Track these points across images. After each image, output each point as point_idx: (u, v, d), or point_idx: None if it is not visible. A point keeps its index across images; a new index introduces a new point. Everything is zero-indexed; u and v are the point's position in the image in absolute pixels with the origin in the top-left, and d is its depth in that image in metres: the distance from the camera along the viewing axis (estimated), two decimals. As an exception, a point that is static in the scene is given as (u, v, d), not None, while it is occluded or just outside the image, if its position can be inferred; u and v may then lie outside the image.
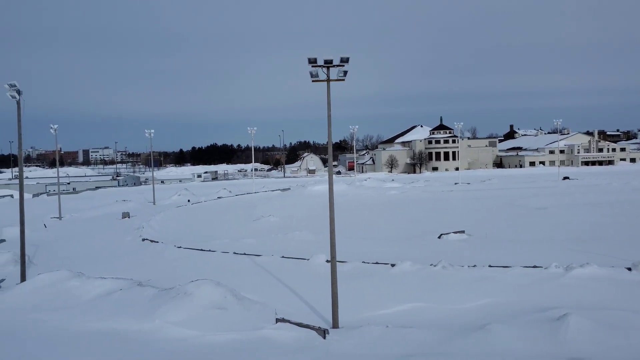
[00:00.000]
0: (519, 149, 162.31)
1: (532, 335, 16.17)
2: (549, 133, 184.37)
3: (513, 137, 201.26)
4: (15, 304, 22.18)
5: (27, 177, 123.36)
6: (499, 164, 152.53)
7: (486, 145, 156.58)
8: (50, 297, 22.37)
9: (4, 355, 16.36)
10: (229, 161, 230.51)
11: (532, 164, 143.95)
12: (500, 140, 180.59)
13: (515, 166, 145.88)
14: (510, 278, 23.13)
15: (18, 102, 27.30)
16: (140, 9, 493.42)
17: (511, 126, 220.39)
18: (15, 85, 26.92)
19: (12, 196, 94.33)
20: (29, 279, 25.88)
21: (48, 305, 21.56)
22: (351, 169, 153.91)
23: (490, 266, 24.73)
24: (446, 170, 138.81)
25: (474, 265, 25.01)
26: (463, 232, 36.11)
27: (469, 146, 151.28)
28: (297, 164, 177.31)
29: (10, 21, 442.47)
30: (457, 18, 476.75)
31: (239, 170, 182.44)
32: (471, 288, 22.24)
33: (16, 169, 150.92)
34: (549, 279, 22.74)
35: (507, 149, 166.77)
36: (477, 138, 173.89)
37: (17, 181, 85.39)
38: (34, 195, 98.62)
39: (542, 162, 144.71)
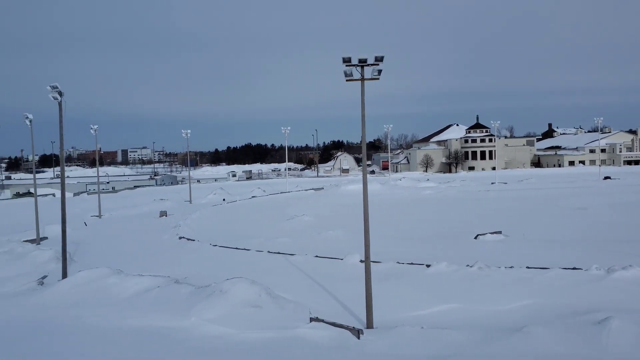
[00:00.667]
0: (558, 148, 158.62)
1: (572, 338, 15.75)
2: (589, 132, 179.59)
3: (551, 136, 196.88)
4: (57, 300, 22.82)
5: (68, 177, 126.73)
6: (536, 163, 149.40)
7: (524, 144, 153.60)
8: (90, 293, 22.93)
9: (46, 350, 16.84)
10: (263, 161, 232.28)
11: (571, 163, 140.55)
12: (538, 139, 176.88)
13: (554, 165, 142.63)
14: (548, 280, 22.60)
15: (60, 104, 28.00)
16: (176, 10, 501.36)
17: (549, 125, 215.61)
18: (57, 87, 27.61)
19: (53, 195, 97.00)
20: (70, 275, 26.56)
21: (88, 301, 22.10)
22: (385, 168, 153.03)
23: (528, 267, 24.24)
24: (482, 169, 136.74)
25: (511, 267, 24.55)
26: (500, 232, 35.48)
27: (506, 145, 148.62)
28: (331, 163, 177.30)
29: (52, 25, 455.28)
30: (494, 14, 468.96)
31: (272, 170, 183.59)
32: (508, 289, 21.84)
33: (58, 168, 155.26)
34: (590, 281, 22.12)
35: (546, 148, 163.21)
36: (514, 137, 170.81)
37: (58, 180, 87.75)
38: (74, 194, 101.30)
39: (582, 162, 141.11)
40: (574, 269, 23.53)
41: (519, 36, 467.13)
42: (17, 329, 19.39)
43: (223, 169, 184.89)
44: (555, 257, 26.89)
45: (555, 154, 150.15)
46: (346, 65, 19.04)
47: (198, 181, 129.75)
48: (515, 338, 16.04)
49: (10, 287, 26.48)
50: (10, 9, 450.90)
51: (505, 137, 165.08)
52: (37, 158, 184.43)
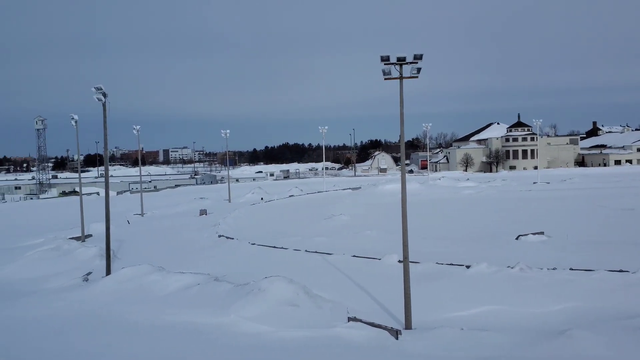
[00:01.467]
0: (603, 146, 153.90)
1: (618, 343, 15.25)
2: (636, 129, 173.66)
3: (596, 134, 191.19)
4: (101, 296, 23.44)
5: (111, 176, 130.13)
6: (580, 162, 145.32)
7: (567, 143, 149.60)
8: (133, 290, 23.46)
9: (90, 344, 17.32)
10: (300, 160, 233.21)
11: (617, 162, 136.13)
12: (583, 138, 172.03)
13: (599, 165, 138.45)
14: (593, 282, 21.92)
15: (104, 105, 28.75)
16: (214, 11, 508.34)
17: (594, 123, 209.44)
18: (101, 89, 28.34)
19: (98, 194, 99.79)
20: (113, 272, 27.26)
21: (130, 298, 22.62)
22: (424, 167, 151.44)
23: (571, 269, 23.57)
24: (524, 169, 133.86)
25: (554, 268, 23.93)
26: (542, 233, 34.64)
27: (549, 144, 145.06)
28: (368, 162, 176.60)
29: (96, 28, 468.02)
30: (534, 10, 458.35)
31: (310, 169, 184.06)
32: (551, 292, 21.30)
33: (102, 168, 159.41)
34: (637, 284, 21.36)
35: (590, 147, 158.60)
36: (557, 135, 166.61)
37: (102, 179, 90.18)
38: (118, 193, 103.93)
39: (629, 161, 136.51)
40: (621, 271, 22.75)
41: (562, 32, 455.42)
42: (62, 322, 20.02)
43: (261, 168, 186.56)
44: (600, 259, 26.08)
45: (601, 152, 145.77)
46: (384, 64, 18.91)
47: (237, 180, 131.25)
48: (559, 342, 15.62)
49: (57, 283, 27.39)
50: (55, 13, 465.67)
51: (548, 135, 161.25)
52: (82, 158, 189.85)
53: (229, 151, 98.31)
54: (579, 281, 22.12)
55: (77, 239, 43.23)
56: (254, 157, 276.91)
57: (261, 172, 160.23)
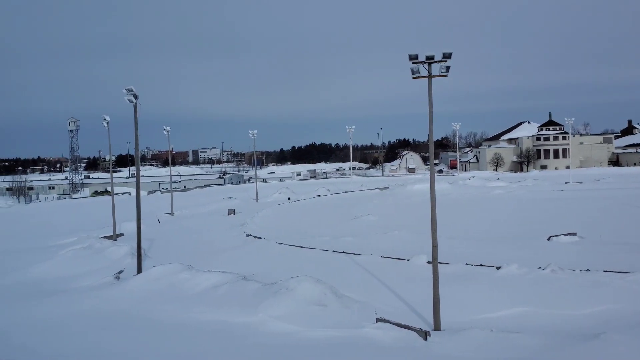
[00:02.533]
0: (639, 145, 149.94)
1: (655, 347, 14.83)
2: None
3: (631, 133, 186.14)
4: (132, 294, 23.82)
5: (142, 176, 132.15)
6: (614, 162, 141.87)
7: (600, 142, 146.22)
8: (163, 288, 23.79)
9: (122, 342, 17.60)
10: (327, 160, 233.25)
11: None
12: (617, 137, 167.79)
13: (635, 164, 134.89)
14: (628, 284, 21.35)
15: (135, 106, 29.16)
16: (241, 13, 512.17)
17: (629, 121, 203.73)
18: (132, 90, 28.75)
19: (129, 193, 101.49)
20: (144, 271, 27.66)
21: (161, 296, 22.94)
22: (453, 167, 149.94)
23: (605, 271, 23.01)
24: (556, 168, 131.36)
25: (587, 270, 23.41)
26: (575, 234, 33.91)
27: (581, 143, 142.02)
28: (396, 162, 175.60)
29: (126, 31, 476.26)
30: (566, 6, 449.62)
31: (337, 169, 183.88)
32: (584, 294, 20.82)
33: (133, 168, 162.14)
34: (675, 287, 20.75)
35: (625, 146, 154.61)
36: (590, 134, 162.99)
37: (133, 179, 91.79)
38: (148, 193, 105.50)
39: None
40: (657, 273, 22.14)
41: (595, 28, 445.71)
42: (94, 320, 20.40)
43: (288, 168, 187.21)
44: (635, 261, 25.39)
45: (636, 151, 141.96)
46: (413, 63, 18.74)
47: (264, 180, 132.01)
48: (592, 345, 15.26)
49: (90, 281, 27.94)
50: (88, 16, 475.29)
51: (581, 134, 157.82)
52: (113, 158, 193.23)
53: (256, 151, 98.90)
54: (614, 283, 21.58)
55: (109, 237, 44.05)
56: (281, 157, 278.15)
57: (273, 172, 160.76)
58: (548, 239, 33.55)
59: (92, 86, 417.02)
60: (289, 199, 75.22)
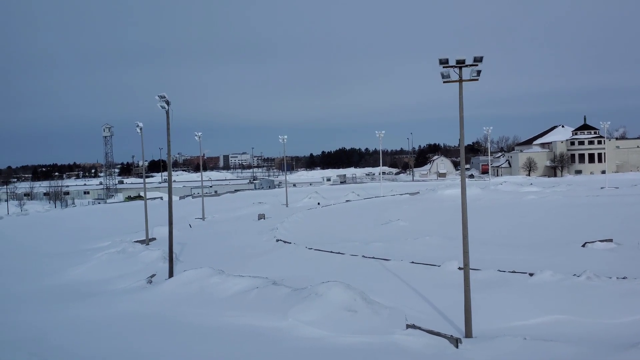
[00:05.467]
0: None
1: (696, 358, 14.35)
2: None
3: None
4: (164, 297, 24.17)
5: (174, 181, 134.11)
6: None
7: (637, 146, 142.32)
8: (194, 292, 24.06)
9: (157, 344, 17.87)
10: (357, 165, 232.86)
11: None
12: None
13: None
14: (668, 293, 20.75)
15: (167, 112, 29.64)
16: (272, 19, 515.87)
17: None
18: (164, 97, 29.22)
19: (161, 198, 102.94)
20: (176, 274, 28.03)
21: (192, 300, 23.21)
22: (485, 172, 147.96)
23: (644, 279, 22.41)
24: (591, 173, 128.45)
25: (624, 277, 22.80)
26: (611, 240, 33.09)
27: (617, 147, 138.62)
28: (427, 167, 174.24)
29: (159, 38, 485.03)
30: (599, 9, 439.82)
31: (366, 174, 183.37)
32: (620, 302, 20.28)
33: (165, 173, 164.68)
34: None
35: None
36: (626, 138, 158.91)
37: (166, 184, 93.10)
38: (180, 198, 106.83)
39: None
40: (699, 282, 21.43)
41: (630, 30, 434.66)
42: (128, 322, 20.77)
43: (318, 173, 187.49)
44: (675, 268, 24.64)
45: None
46: (443, 67, 18.62)
47: (294, 185, 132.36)
48: (630, 355, 14.86)
49: (123, 284, 28.45)
50: (121, 24, 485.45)
51: (617, 138, 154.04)
52: (146, 164, 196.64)
53: (286, 156, 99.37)
54: (652, 292, 20.98)
55: (142, 242, 44.75)
56: (311, 162, 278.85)
57: (337, 176, 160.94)
58: (583, 246, 32.82)
59: (126, 93, 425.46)
60: (318, 204, 75.32)
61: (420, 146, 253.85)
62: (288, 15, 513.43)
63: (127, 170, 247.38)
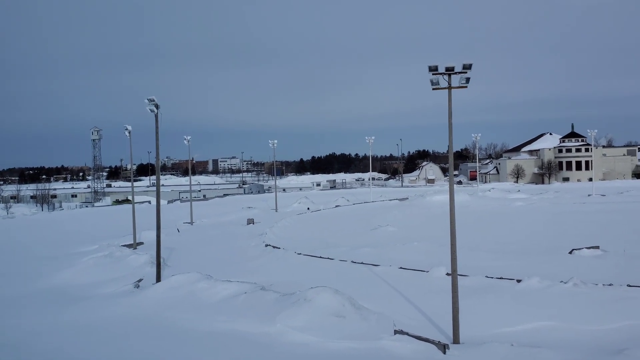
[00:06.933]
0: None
1: (681, 365, 14.50)
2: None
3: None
4: (151, 302, 24.01)
5: (162, 185, 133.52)
6: (639, 174, 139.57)
7: (624, 154, 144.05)
8: (182, 297, 23.94)
9: (140, 349, 17.73)
10: (346, 170, 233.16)
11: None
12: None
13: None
14: (653, 300, 20.96)
15: (156, 115, 29.53)
16: (261, 23, 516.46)
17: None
18: (153, 100, 29.12)
19: (149, 202, 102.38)
20: (163, 279, 27.86)
21: (179, 305, 23.08)
22: (473, 178, 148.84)
23: (629, 285, 22.60)
24: (578, 180, 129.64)
25: (610, 284, 23.00)
26: (597, 247, 33.37)
27: (604, 155, 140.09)
28: (416, 173, 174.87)
29: (148, 42, 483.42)
30: (587, 18, 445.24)
31: (356, 179, 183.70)
32: (606, 308, 20.45)
33: (153, 177, 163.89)
34: (702, 304, 20.27)
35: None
36: (613, 146, 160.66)
37: (154, 188, 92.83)
38: (168, 202, 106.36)
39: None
40: (683, 289, 21.67)
41: (617, 39, 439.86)
42: (115, 327, 20.60)
43: (308, 178, 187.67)
44: (661, 275, 24.89)
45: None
46: (432, 74, 18.74)
47: (284, 190, 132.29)
48: (615, 361, 14.99)
49: (110, 289, 28.21)
50: (109, 27, 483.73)
51: (603, 146, 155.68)
52: (134, 167, 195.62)
53: (276, 161, 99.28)
54: (638, 298, 21.18)
55: (129, 246, 44.47)
56: (300, 167, 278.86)
57: (327, 181, 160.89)
58: (570, 252, 33.07)
59: (115, 96, 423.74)
60: (308, 209, 75.30)
61: (409, 152, 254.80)
62: (279, 20, 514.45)
63: (115, 173, 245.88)
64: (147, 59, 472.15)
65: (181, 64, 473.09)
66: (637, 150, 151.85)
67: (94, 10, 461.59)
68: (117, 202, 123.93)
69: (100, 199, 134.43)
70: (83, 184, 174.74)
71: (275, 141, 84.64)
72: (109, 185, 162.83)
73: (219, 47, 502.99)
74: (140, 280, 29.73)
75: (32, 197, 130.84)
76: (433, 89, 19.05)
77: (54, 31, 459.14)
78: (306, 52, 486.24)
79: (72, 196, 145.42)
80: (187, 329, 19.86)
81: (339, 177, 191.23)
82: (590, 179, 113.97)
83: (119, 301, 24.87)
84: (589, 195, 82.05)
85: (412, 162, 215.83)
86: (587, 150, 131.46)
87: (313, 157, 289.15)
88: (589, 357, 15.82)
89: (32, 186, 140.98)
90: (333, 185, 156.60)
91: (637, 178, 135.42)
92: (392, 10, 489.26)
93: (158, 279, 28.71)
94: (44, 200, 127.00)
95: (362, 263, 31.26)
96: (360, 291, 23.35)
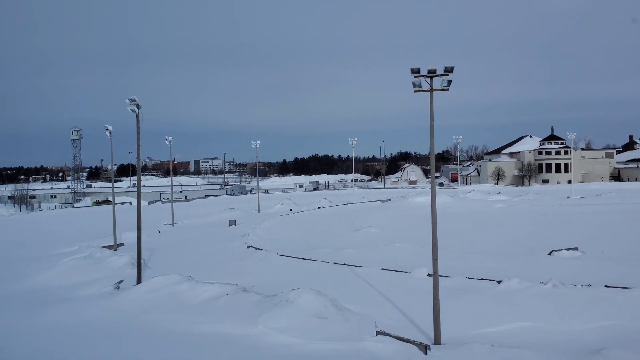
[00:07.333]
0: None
1: (656, 364, 14.77)
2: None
3: (633, 148, 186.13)
4: (132, 304, 23.78)
5: (143, 186, 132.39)
6: (616, 177, 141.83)
7: (602, 157, 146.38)
8: (163, 299, 23.74)
9: (120, 352, 17.55)
10: (329, 171, 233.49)
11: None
12: (619, 152, 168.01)
13: (636, 179, 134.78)
14: (630, 300, 21.29)
15: (137, 116, 29.26)
16: (245, 24, 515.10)
17: (631, 136, 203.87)
18: (135, 100, 28.84)
19: (130, 203, 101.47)
20: (144, 281, 27.61)
21: (160, 307, 22.88)
22: (454, 180, 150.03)
23: (607, 286, 22.94)
24: (557, 183, 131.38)
25: (589, 285, 23.33)
26: (576, 249, 33.87)
27: (583, 157, 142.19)
28: (398, 174, 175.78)
29: (130, 41, 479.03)
30: (568, 22, 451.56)
31: (339, 181, 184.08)
32: (585, 309, 20.76)
33: (134, 178, 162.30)
34: (677, 304, 20.66)
35: (627, 161, 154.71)
36: (591, 149, 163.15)
37: (135, 189, 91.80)
38: (149, 203, 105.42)
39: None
40: (659, 289, 22.07)
41: (597, 43, 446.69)
42: (95, 329, 20.36)
43: (290, 180, 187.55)
44: (637, 276, 25.31)
45: (638, 167, 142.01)
46: (415, 76, 18.84)
47: (266, 191, 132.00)
48: (593, 361, 15.21)
49: (90, 291, 27.89)
50: (91, 25, 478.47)
51: (582, 149, 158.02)
52: (115, 168, 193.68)
53: (259, 162, 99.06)
54: (615, 299, 21.53)
55: (110, 247, 43.99)
56: (283, 168, 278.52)
57: (309, 182, 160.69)
58: (549, 254, 33.51)
59: (95, 96, 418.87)
60: (291, 210, 75.22)
61: (392, 154, 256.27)
62: (262, 22, 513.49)
63: (95, 174, 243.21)
64: (128, 58, 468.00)
65: (163, 64, 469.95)
66: (614, 153, 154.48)
67: (74, 8, 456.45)
68: (98, 202, 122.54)
69: (80, 199, 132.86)
70: (63, 185, 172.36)
71: (258, 142, 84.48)
72: (89, 186, 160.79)
73: (200, 48, 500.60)
74: (120, 282, 29.43)
75: (10, 197, 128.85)
76: (415, 91, 19.16)
77: (33, 29, 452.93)
78: (289, 54, 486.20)
79: (52, 197, 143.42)
80: (168, 331, 19.70)
81: (322, 178, 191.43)
82: (570, 181, 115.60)
83: (99, 303, 24.59)
84: (568, 197, 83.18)
85: (395, 163, 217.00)
86: (566, 152, 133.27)
87: (296, 159, 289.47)
88: (568, 357, 16.03)
89: (10, 186, 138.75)
90: (316, 187, 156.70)
91: (615, 180, 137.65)
92: (372, 12, 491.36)
93: (139, 281, 28.45)
94: (23, 200, 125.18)
95: (344, 264, 31.32)
96: (342, 292, 23.38)
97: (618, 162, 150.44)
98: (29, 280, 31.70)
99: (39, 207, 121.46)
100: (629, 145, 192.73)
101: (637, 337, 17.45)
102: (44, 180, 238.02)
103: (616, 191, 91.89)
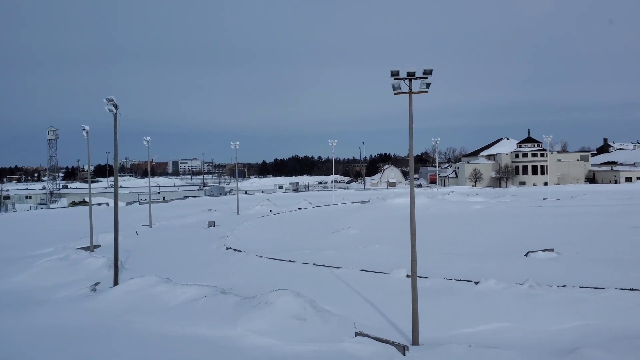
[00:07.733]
0: (614, 163, 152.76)
1: (629, 363, 15.06)
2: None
3: (607, 151, 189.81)
4: (109, 306, 23.47)
5: (121, 187, 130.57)
6: (591, 179, 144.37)
7: (577, 159, 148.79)
8: (140, 301, 23.48)
9: (97, 354, 17.31)
10: (309, 173, 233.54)
11: (628, 179, 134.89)
12: (593, 154, 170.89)
13: (610, 182, 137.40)
14: (604, 300, 21.71)
15: (115, 116, 28.95)
16: (224, 24, 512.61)
17: (605, 139, 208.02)
18: (112, 100, 28.54)
19: (107, 204, 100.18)
20: (121, 283, 27.30)
21: (138, 308, 22.63)
22: (433, 182, 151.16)
23: (581, 287, 23.36)
24: (534, 185, 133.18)
25: (564, 286, 23.72)
26: (552, 250, 34.40)
27: (559, 160, 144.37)
28: (377, 176, 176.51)
29: (108, 40, 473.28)
30: (544, 26, 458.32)
31: (319, 182, 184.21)
32: (560, 309, 21.12)
33: (111, 178, 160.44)
34: (649, 304, 21.11)
35: (601, 164, 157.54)
36: (567, 152, 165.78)
37: (112, 190, 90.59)
38: (127, 204, 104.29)
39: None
40: (632, 289, 22.53)
41: (573, 48, 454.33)
42: (71, 332, 20.04)
43: (270, 181, 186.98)
44: (611, 277, 25.84)
45: (611, 169, 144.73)
46: (394, 79, 18.98)
47: (245, 192, 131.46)
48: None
49: (66, 293, 27.48)
50: (69, 23, 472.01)
51: (558, 151, 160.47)
52: (92, 168, 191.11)
53: (238, 163, 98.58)
54: (589, 299, 21.92)
55: (86, 249, 43.40)
56: (263, 169, 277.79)
57: (289, 184, 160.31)
58: (526, 255, 33.97)
59: (72, 95, 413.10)
60: (270, 211, 75.06)
61: (371, 155, 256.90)
62: (240, 23, 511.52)
63: (72, 174, 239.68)
64: (106, 57, 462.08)
65: (141, 64, 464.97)
66: (589, 155, 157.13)
67: (51, 7, 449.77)
68: (74, 203, 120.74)
69: (56, 200, 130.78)
70: (38, 185, 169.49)
71: (238, 143, 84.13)
72: (65, 187, 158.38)
73: (179, 48, 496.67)
74: (97, 284, 29.10)
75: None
76: (395, 93, 19.31)
77: (7, 26, 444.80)
78: (269, 55, 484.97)
79: (27, 197, 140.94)
80: (146, 333, 19.49)
81: (302, 179, 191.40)
82: (546, 183, 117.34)
83: (74, 305, 24.22)
84: (544, 199, 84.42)
85: (374, 165, 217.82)
86: (542, 155, 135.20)
87: (276, 160, 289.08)
88: (544, 356, 16.26)
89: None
90: (296, 188, 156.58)
91: (590, 182, 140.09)
92: (350, 15, 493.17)
93: (115, 283, 28.14)
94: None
95: (323, 265, 31.35)
96: (321, 294, 23.41)
97: (593, 165, 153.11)
98: (3, 282, 31.11)
99: (14, 207, 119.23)
100: (604, 148, 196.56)
101: (611, 337, 17.78)
102: (19, 180, 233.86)
103: (591, 193, 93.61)
